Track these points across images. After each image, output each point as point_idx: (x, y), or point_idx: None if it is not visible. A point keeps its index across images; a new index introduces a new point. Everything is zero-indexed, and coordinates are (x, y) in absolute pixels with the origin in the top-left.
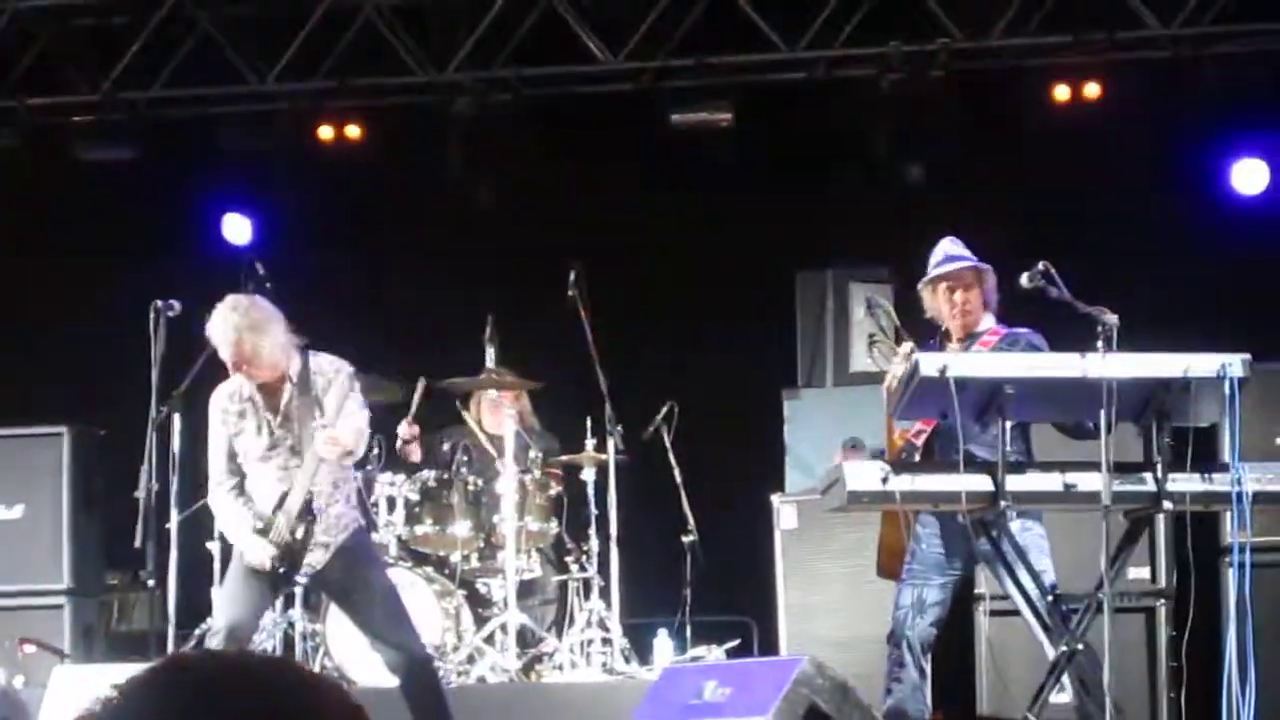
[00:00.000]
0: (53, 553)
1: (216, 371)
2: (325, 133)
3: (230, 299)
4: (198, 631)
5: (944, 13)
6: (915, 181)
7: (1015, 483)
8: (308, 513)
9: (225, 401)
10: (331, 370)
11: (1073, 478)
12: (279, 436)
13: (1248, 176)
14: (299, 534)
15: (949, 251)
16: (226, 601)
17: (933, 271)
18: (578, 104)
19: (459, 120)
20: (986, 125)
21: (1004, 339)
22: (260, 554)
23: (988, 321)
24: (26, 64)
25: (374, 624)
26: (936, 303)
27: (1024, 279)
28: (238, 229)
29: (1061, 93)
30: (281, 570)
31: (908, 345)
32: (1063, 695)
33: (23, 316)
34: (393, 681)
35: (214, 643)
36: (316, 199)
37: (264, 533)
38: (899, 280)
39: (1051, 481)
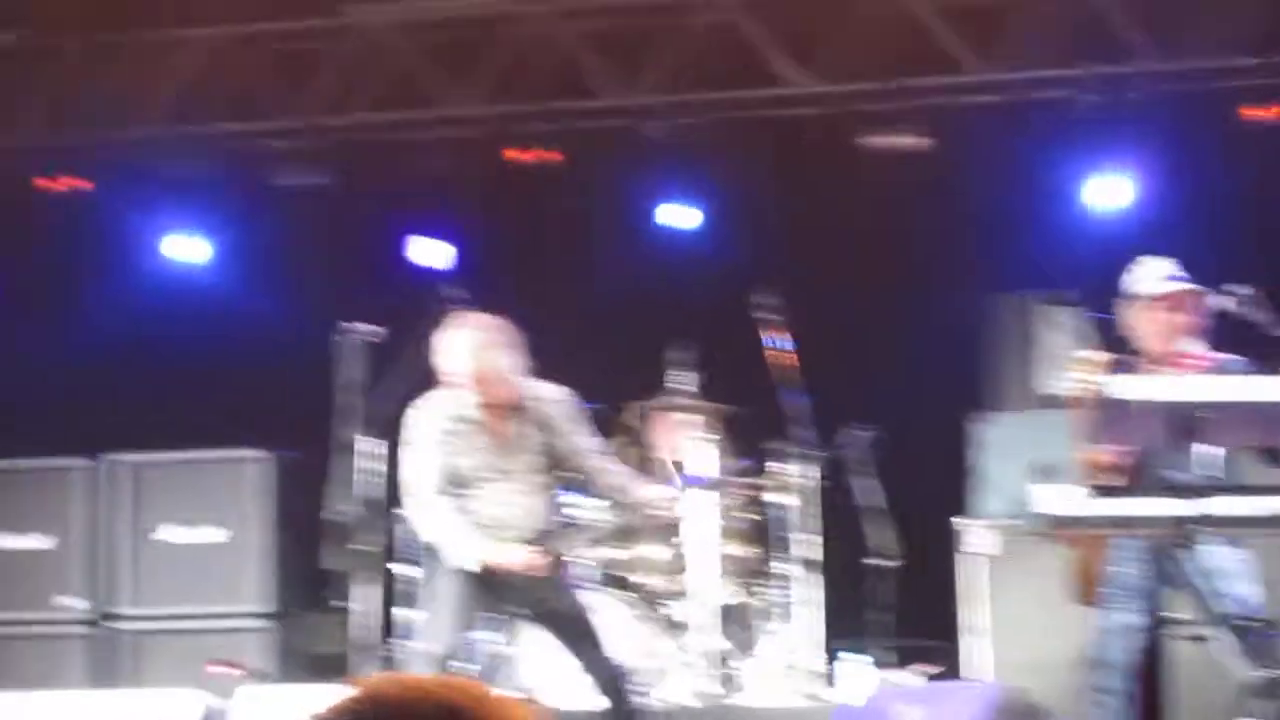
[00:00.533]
0: (252, 575)
1: (410, 394)
2: (516, 156)
3: (475, 316)
4: (387, 653)
5: (1136, 34)
6: (1102, 203)
7: (1213, 507)
8: (543, 537)
9: (443, 421)
10: (555, 396)
11: (1274, 503)
12: (503, 460)
13: None
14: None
15: (1168, 271)
16: (427, 622)
17: (1146, 290)
18: (770, 126)
19: (652, 143)
20: (1176, 146)
21: (1216, 366)
22: (517, 555)
23: (1197, 347)
24: (224, 91)
25: (577, 645)
26: (1142, 322)
27: (1230, 303)
28: (426, 252)
29: (1253, 112)
30: (501, 588)
31: (1105, 356)
32: None
33: (225, 345)
34: (585, 705)
35: (418, 665)
36: (510, 223)
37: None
38: (1089, 303)
39: (1252, 506)
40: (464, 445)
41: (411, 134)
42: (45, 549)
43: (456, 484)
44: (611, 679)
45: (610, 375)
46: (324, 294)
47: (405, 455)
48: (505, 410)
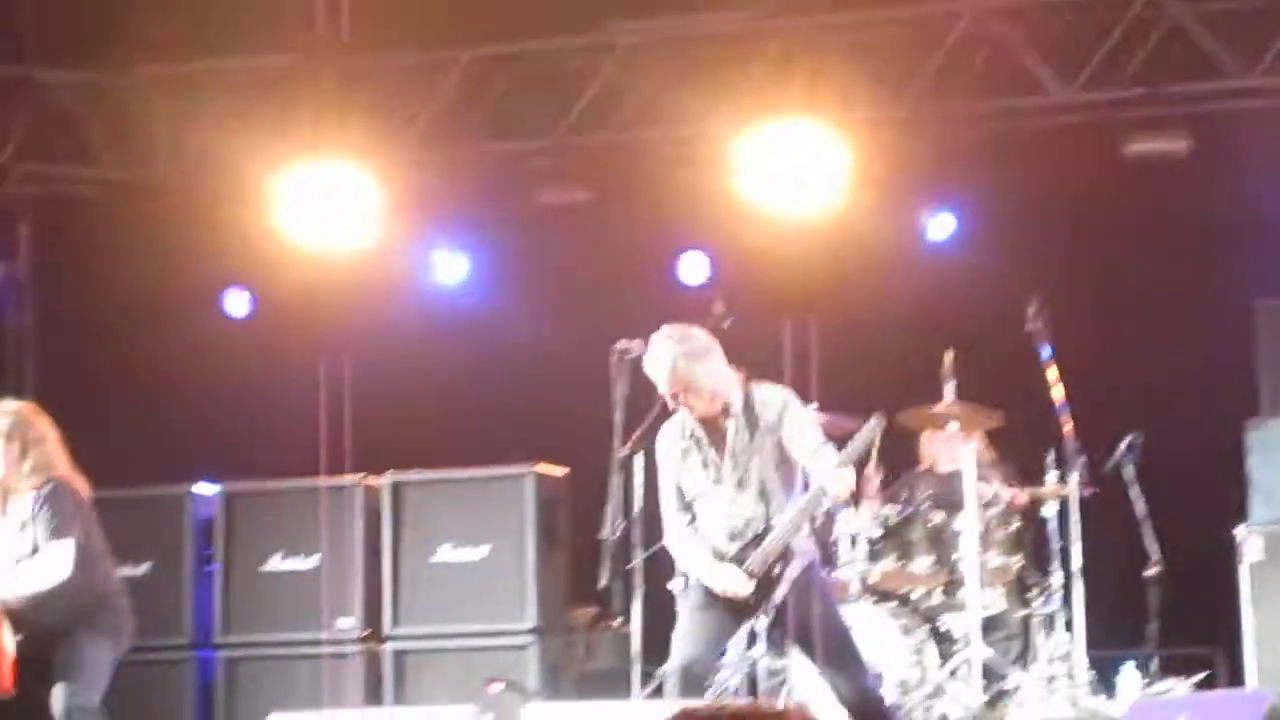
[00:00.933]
0: (518, 592)
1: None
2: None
3: (666, 328)
4: (656, 674)
5: None
6: None
7: None
8: (786, 550)
9: (671, 440)
10: (780, 400)
11: None
12: (725, 471)
13: None
14: (776, 570)
15: None
16: (681, 640)
17: None
18: (1032, 136)
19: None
20: None
21: None
22: (734, 581)
23: None
24: (485, 109)
25: (825, 658)
26: None
27: None
28: (695, 268)
29: None
30: (751, 603)
31: None
32: None
33: (487, 362)
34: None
35: (670, 684)
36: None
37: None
38: None
39: None
40: (691, 462)
41: (668, 150)
42: (314, 569)
43: (688, 502)
44: (860, 700)
45: (882, 387)
46: (588, 311)
47: (660, 481)
48: (719, 419)
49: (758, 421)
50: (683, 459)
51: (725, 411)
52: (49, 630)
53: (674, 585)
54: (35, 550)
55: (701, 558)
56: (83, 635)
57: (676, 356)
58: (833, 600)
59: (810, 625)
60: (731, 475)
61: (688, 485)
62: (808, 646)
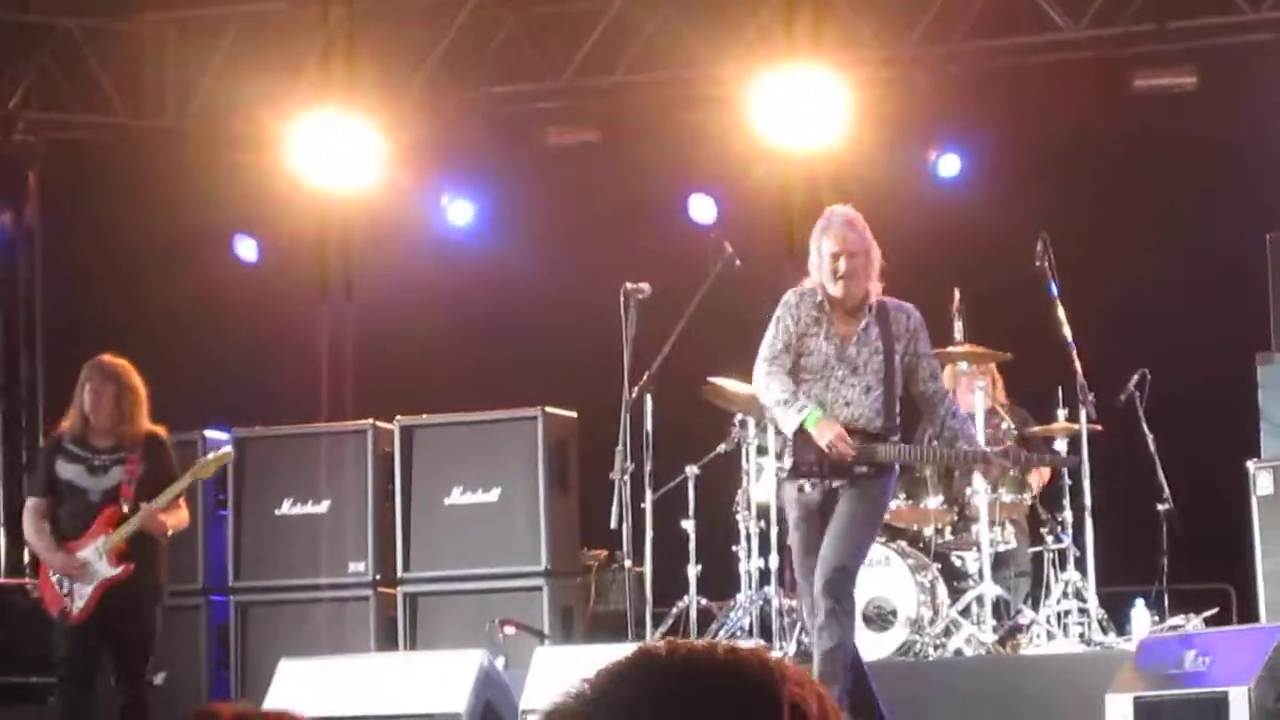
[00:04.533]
0: (530, 535)
1: (688, 353)
2: None
3: (841, 210)
4: (674, 611)
5: None
6: None
7: None
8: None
9: (805, 300)
10: (913, 317)
11: None
12: (850, 355)
13: None
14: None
15: None
16: (802, 559)
17: None
18: (1039, 73)
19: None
20: None
21: None
22: (837, 438)
23: None
24: (491, 52)
25: (830, 542)
26: None
27: None
28: (703, 208)
29: None
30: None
31: None
32: None
33: (496, 305)
34: (871, 656)
35: (806, 604)
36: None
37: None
38: None
39: None
40: (817, 330)
41: (675, 91)
42: (326, 514)
43: (805, 369)
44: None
45: None
46: (596, 252)
47: (770, 326)
48: (855, 310)
49: (889, 326)
50: (813, 323)
51: (861, 303)
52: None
53: (689, 524)
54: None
55: (796, 404)
56: None
57: (856, 226)
58: (880, 510)
59: (841, 506)
60: (849, 360)
61: (811, 356)
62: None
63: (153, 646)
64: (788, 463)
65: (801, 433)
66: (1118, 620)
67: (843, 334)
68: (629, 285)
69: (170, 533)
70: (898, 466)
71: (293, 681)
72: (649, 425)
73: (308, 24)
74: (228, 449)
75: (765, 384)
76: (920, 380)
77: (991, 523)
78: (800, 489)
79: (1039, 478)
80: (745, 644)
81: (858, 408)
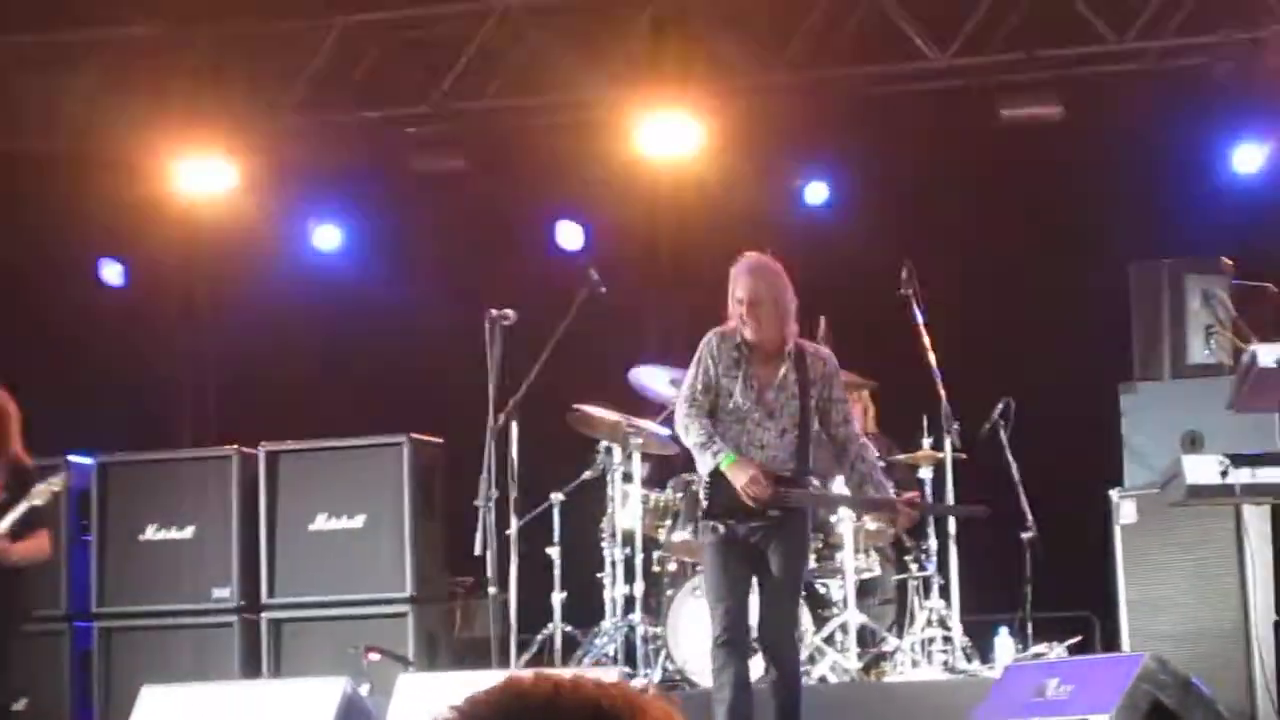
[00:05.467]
0: (394, 561)
1: (553, 380)
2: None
3: (760, 257)
4: (539, 638)
5: None
6: (1247, 169)
7: None
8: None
9: (725, 342)
10: (829, 364)
11: None
12: (768, 399)
13: None
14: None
15: None
16: (720, 598)
17: None
18: (907, 101)
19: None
20: None
21: None
22: (753, 481)
23: None
24: (359, 77)
25: (775, 605)
26: None
27: None
28: (571, 235)
29: None
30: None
31: None
32: None
33: (362, 330)
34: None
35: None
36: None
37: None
38: (1235, 271)
39: None
40: (735, 373)
41: (543, 118)
42: (190, 539)
43: (723, 410)
44: (776, 645)
45: None
46: (463, 278)
47: (691, 366)
48: (773, 354)
49: (806, 371)
50: (732, 365)
51: (778, 348)
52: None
53: (554, 551)
54: None
55: (715, 445)
56: None
57: (764, 274)
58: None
59: (778, 563)
60: (766, 404)
61: (725, 390)
62: (763, 581)
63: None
64: (704, 504)
65: (718, 475)
66: (981, 648)
67: (760, 378)
68: (494, 312)
69: (18, 560)
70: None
71: (155, 708)
72: (514, 452)
73: (176, 49)
74: (62, 477)
75: (684, 426)
76: (833, 424)
77: (856, 550)
78: (714, 529)
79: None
80: (609, 671)
81: (772, 450)
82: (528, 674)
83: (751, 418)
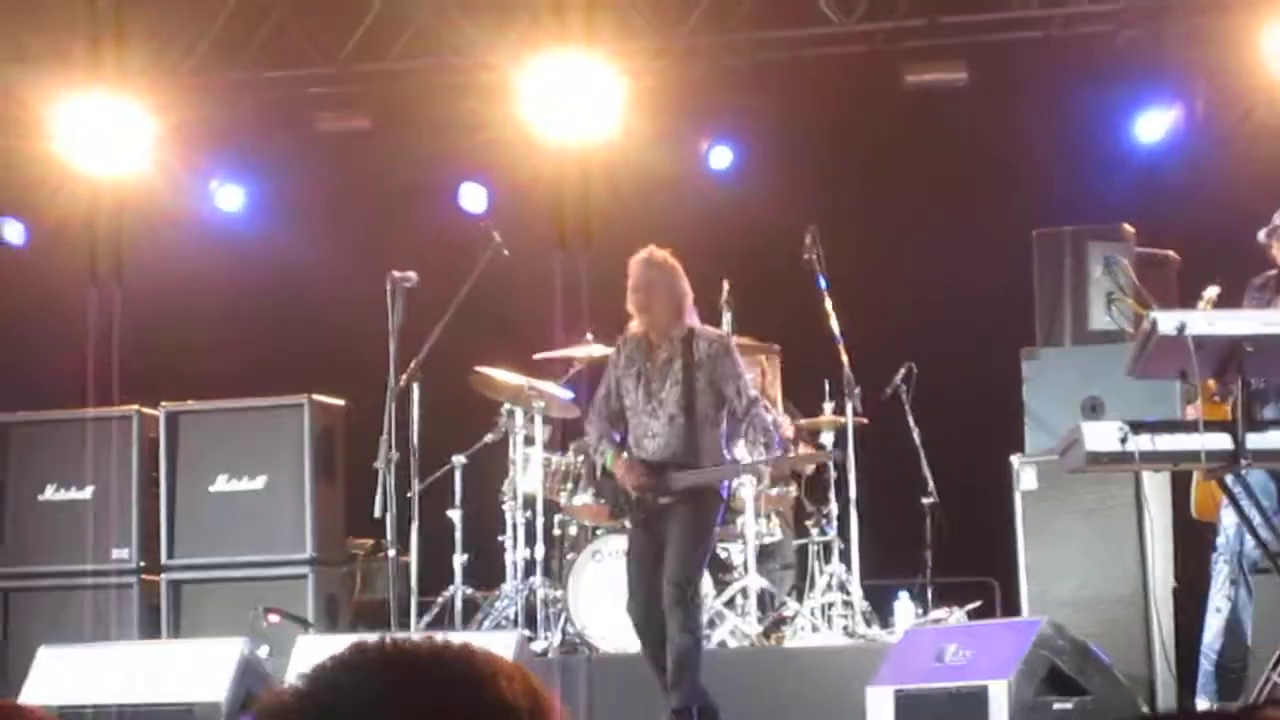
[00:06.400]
0: (295, 523)
1: (456, 342)
2: None
3: (650, 250)
4: (439, 600)
5: None
6: (1150, 138)
7: (1258, 441)
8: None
9: (622, 343)
10: (714, 343)
11: None
12: (654, 389)
13: None
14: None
15: None
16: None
17: None
18: (811, 66)
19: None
20: (1221, 78)
21: None
22: (631, 475)
23: None
24: (263, 36)
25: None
26: None
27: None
28: (474, 197)
29: None
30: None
31: (1213, 290)
32: None
33: (265, 291)
34: (634, 648)
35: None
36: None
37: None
38: (1138, 239)
39: None
40: (630, 372)
41: (448, 78)
42: (90, 500)
43: (626, 408)
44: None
45: None
46: (366, 240)
47: None
48: (659, 342)
49: (692, 355)
50: (627, 365)
51: (667, 337)
52: None
53: (455, 514)
54: None
55: (608, 448)
56: None
57: (651, 264)
58: (710, 522)
59: (672, 520)
60: (653, 393)
61: (624, 388)
62: (635, 547)
63: None
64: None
65: (607, 473)
66: (882, 613)
67: (650, 369)
68: (395, 274)
69: None
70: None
71: (51, 669)
72: (415, 414)
73: (75, 4)
74: None
75: (588, 433)
76: (729, 400)
77: (757, 515)
78: (624, 524)
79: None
80: (510, 634)
81: (661, 439)
82: (373, 638)
83: (645, 410)
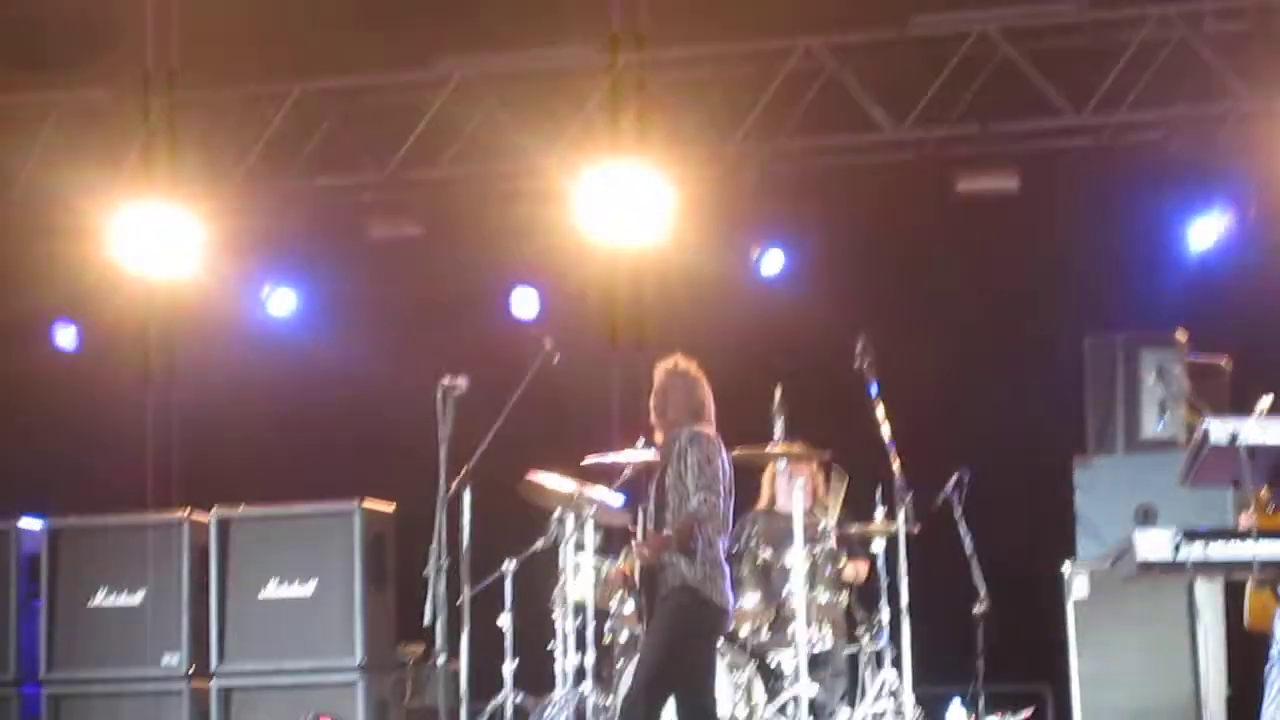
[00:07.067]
0: (345, 629)
1: (509, 447)
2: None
3: (678, 356)
4: (490, 708)
5: (1231, 74)
6: (1202, 244)
7: None
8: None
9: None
10: (679, 441)
11: None
12: (648, 492)
13: None
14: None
15: None
16: None
17: None
18: (863, 173)
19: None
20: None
21: None
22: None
23: None
24: (314, 144)
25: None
26: None
27: None
28: (526, 303)
29: None
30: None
31: (1268, 400)
32: None
33: (316, 396)
34: None
35: None
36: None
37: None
38: (1190, 346)
39: None
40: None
41: (499, 185)
42: (141, 605)
43: None
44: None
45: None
46: (418, 346)
47: None
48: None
49: (666, 456)
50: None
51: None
52: None
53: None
54: None
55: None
56: None
57: (672, 371)
58: (677, 630)
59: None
60: (648, 496)
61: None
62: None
63: None
64: None
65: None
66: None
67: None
68: (445, 381)
69: None
70: (689, 585)
71: None
72: (466, 520)
73: (130, 113)
74: None
75: None
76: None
77: (808, 622)
78: None
79: (855, 573)
80: None
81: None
82: None
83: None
